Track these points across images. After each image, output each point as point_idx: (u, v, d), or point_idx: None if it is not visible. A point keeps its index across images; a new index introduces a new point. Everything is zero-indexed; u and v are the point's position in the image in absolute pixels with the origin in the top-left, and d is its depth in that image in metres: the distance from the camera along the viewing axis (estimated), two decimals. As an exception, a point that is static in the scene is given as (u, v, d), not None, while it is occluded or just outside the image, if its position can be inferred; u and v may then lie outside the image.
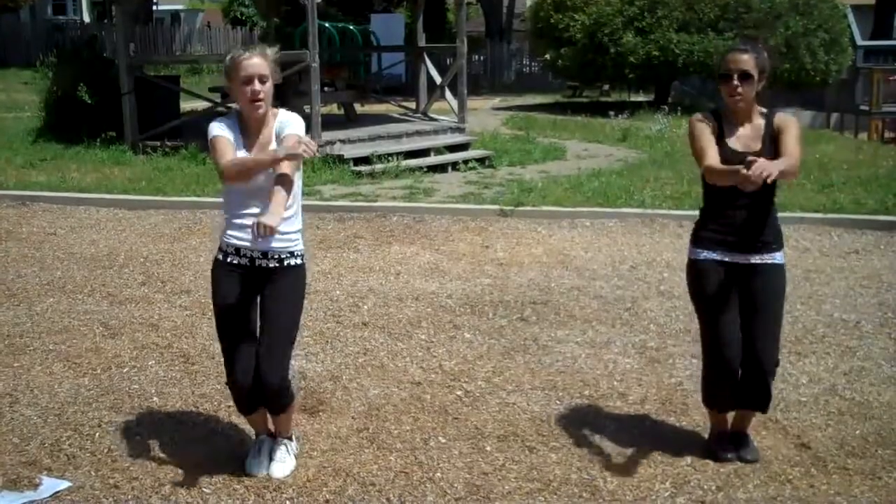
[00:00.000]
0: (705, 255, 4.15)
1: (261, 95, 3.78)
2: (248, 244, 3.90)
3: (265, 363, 3.92)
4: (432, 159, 12.93)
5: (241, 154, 3.84)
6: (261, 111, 3.82)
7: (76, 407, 4.79)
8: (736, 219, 4.05)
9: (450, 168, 12.78)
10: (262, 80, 3.78)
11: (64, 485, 3.97)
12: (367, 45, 19.96)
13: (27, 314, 6.34)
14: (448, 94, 15.09)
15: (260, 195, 3.80)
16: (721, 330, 4.10)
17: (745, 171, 3.59)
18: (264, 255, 3.92)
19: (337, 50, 18.81)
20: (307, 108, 11.67)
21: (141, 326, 6.09)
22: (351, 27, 21.11)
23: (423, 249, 8.23)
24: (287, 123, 3.90)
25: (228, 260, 3.96)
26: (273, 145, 3.86)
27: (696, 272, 4.20)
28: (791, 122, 4.06)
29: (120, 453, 4.27)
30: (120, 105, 13.59)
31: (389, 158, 12.15)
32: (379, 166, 11.97)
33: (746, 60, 3.95)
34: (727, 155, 3.97)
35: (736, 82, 3.95)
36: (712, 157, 3.94)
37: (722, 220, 4.09)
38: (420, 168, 12.29)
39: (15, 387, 5.05)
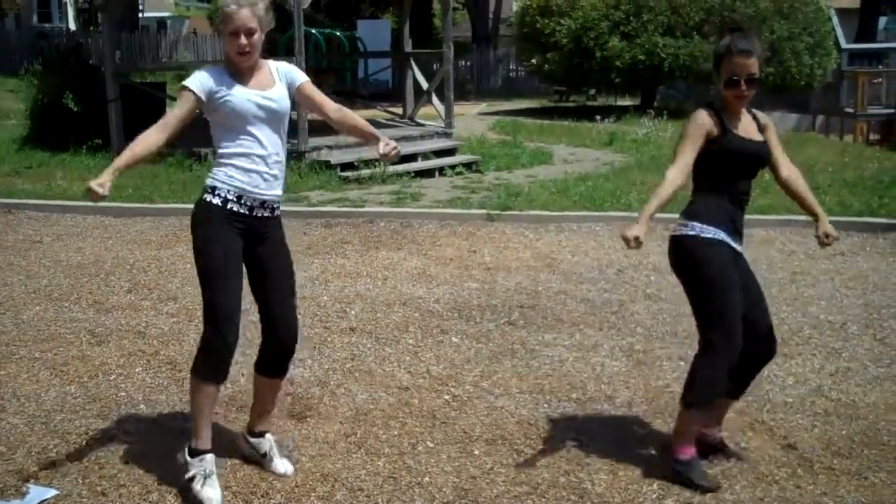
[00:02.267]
0: (720, 235, 3.99)
1: (247, 49, 3.81)
2: (252, 190, 3.87)
3: (287, 318, 4.01)
4: (419, 164, 12.94)
5: (240, 92, 3.83)
6: (249, 62, 3.86)
7: (63, 415, 4.77)
8: (733, 208, 4.06)
9: (437, 173, 12.80)
10: (250, 33, 3.79)
11: (51, 493, 3.95)
12: (353, 50, 20.01)
13: (13, 322, 6.32)
14: (435, 99, 15.12)
15: (266, 141, 3.88)
16: (734, 314, 3.93)
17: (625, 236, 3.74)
18: (263, 204, 3.91)
19: (323, 56, 18.82)
20: (293, 115, 11.66)
21: (128, 334, 6.08)
22: (337, 33, 21.12)
23: (411, 254, 8.23)
24: (287, 72, 4.00)
25: (229, 207, 3.87)
26: (280, 87, 3.93)
27: (706, 248, 3.97)
28: (773, 127, 4.23)
29: (107, 461, 4.25)
30: (106, 112, 13.56)
31: (376, 164, 12.16)
32: (366, 172, 11.98)
33: (753, 63, 3.95)
34: (738, 143, 3.99)
35: (744, 87, 3.96)
36: (679, 170, 3.93)
37: (723, 208, 4.04)
38: (407, 173, 12.29)
39: (1, 395, 5.03)
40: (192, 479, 3.88)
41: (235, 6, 3.78)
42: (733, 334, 3.93)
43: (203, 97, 3.85)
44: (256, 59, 3.90)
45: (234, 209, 3.88)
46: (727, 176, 4.04)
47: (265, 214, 3.95)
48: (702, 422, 4.15)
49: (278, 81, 3.97)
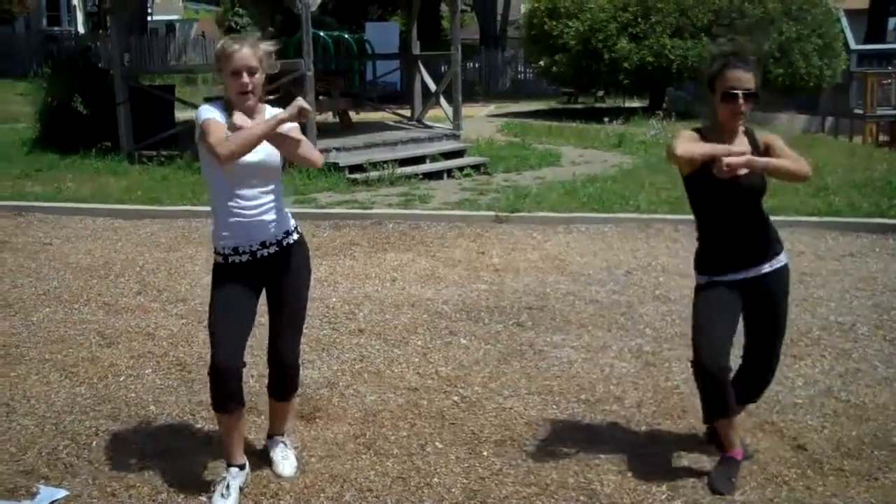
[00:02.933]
0: (718, 279, 4.05)
1: (248, 88, 3.76)
2: (245, 242, 3.88)
3: (285, 343, 4.05)
4: (427, 166, 12.95)
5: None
6: (249, 102, 3.81)
7: (73, 416, 4.79)
8: (737, 238, 4.00)
9: (445, 175, 12.80)
10: (251, 73, 3.75)
11: (61, 493, 3.97)
12: (361, 53, 20.02)
13: (23, 324, 6.34)
14: (443, 101, 15.12)
15: (255, 194, 3.84)
16: (711, 351, 3.96)
17: (721, 160, 3.73)
18: (263, 244, 3.91)
19: (332, 58, 18.83)
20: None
21: (137, 335, 6.09)
22: (346, 36, 21.14)
23: (419, 256, 8.24)
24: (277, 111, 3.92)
25: (230, 261, 3.92)
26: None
27: (699, 294, 4.10)
28: (776, 137, 4.12)
29: (117, 462, 4.27)
30: (115, 115, 13.60)
31: (385, 166, 12.18)
32: (374, 174, 11.99)
33: (750, 79, 3.88)
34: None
35: (741, 101, 3.88)
36: (682, 145, 3.91)
37: (724, 244, 4.03)
38: (415, 175, 12.31)
39: (12, 396, 5.05)
40: (213, 484, 3.95)
41: (237, 45, 3.75)
42: (709, 368, 3.96)
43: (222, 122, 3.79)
44: (256, 102, 3.85)
45: (237, 261, 3.92)
46: (719, 209, 3.98)
47: (272, 251, 3.94)
48: (730, 424, 4.11)
49: None
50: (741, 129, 4.04)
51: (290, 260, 4.00)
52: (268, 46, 3.85)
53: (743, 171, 3.82)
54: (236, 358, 3.88)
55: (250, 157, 3.77)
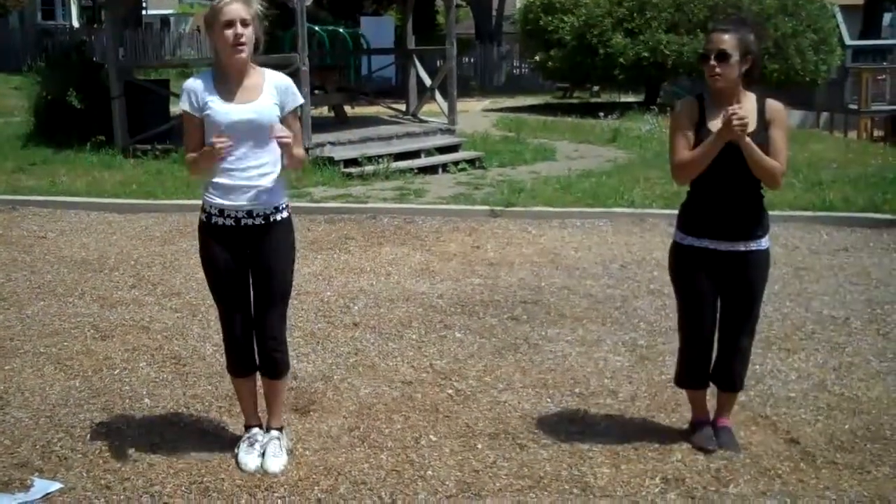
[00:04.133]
0: (689, 240, 4.14)
1: (242, 39, 3.77)
2: (231, 204, 3.91)
3: (265, 323, 4.07)
4: (422, 161, 12.94)
5: (220, 107, 3.84)
6: (242, 55, 3.81)
7: (67, 409, 4.79)
8: (724, 207, 4.02)
9: (440, 169, 12.79)
10: (244, 24, 3.77)
11: (55, 486, 3.97)
12: (357, 47, 20.01)
13: (18, 317, 6.33)
14: (438, 96, 15.10)
15: (245, 154, 3.87)
16: (698, 315, 4.19)
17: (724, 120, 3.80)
18: (249, 213, 3.93)
19: (327, 53, 18.81)
20: (297, 109, 11.64)
21: (132, 329, 6.09)
22: (341, 30, 21.11)
23: (414, 250, 8.24)
24: (285, 88, 3.96)
25: (213, 221, 3.97)
26: (267, 98, 3.90)
27: (679, 256, 4.20)
28: (781, 116, 4.06)
29: (111, 454, 4.27)
30: (110, 109, 13.58)
31: (380, 160, 12.17)
32: (369, 168, 11.98)
33: (726, 40, 3.88)
34: (704, 137, 3.96)
35: (713, 62, 3.89)
36: (679, 153, 4.01)
37: (709, 208, 4.06)
38: (410, 169, 12.30)
39: (6, 389, 5.05)
40: (236, 445, 4.25)
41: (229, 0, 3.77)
42: (695, 341, 4.26)
43: (197, 114, 3.87)
44: (248, 60, 3.86)
45: (220, 223, 3.97)
46: (716, 165, 3.96)
47: (257, 223, 3.96)
48: (697, 398, 4.44)
49: (267, 93, 3.92)
50: (746, 94, 4.02)
51: (274, 236, 4.01)
52: (259, 6, 3.87)
53: (737, 120, 3.80)
54: (247, 325, 4.08)
55: (240, 115, 3.83)
